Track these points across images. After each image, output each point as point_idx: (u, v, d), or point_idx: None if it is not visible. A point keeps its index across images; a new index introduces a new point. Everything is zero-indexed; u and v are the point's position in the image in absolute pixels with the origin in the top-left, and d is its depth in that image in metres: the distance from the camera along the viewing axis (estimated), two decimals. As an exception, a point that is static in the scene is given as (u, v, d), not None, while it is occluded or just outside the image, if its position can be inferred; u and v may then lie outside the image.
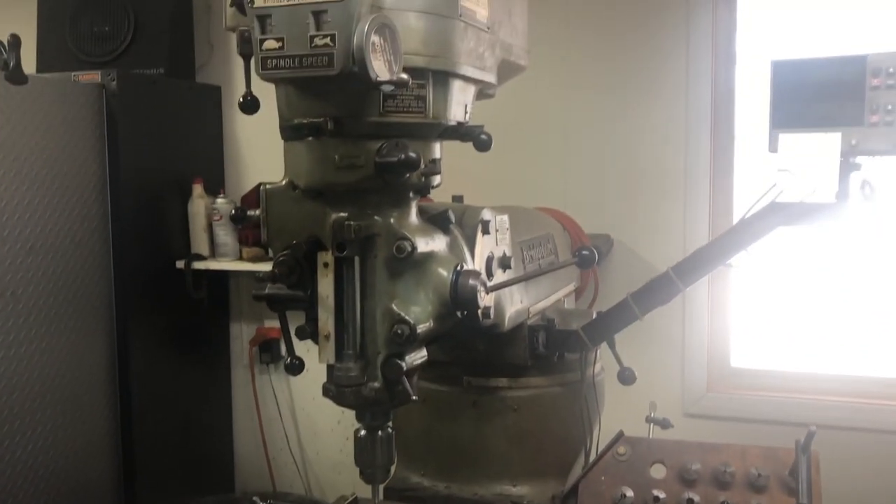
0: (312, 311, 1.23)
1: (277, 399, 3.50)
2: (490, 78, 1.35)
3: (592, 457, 1.68)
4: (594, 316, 1.67)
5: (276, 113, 1.21)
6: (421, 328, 1.19)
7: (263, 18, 1.07)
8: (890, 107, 1.42)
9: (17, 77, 2.14)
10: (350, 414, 1.29)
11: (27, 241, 2.64)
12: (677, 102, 2.87)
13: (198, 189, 3.20)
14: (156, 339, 3.13)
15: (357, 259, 1.20)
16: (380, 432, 1.29)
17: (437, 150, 1.27)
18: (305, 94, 1.14)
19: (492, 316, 1.34)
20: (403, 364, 1.20)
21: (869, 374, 2.80)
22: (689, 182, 2.88)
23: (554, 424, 1.65)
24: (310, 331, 1.25)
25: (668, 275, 1.63)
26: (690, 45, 2.85)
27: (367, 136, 1.16)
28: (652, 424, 1.88)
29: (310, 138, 1.17)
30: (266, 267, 1.24)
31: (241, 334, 3.55)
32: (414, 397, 1.24)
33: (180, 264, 3.17)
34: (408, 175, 1.17)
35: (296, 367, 1.32)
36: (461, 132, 1.26)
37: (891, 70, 1.43)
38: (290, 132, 1.19)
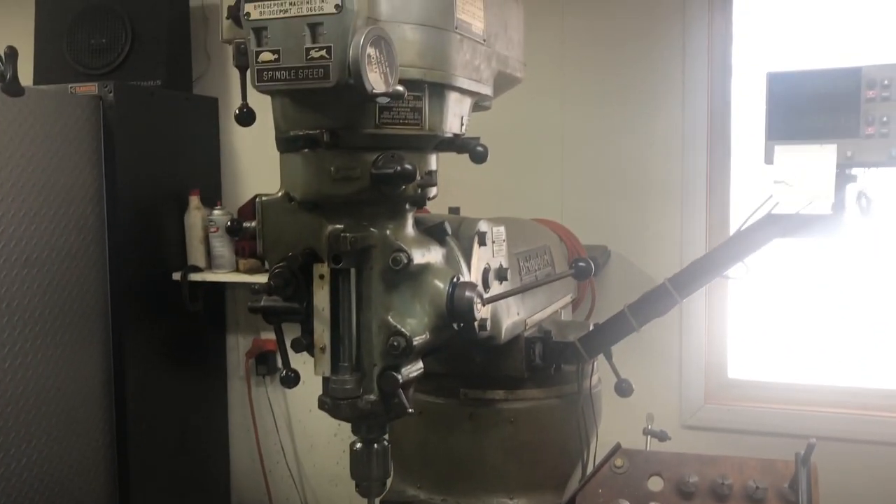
0: (308, 323, 1.23)
1: (274, 411, 3.48)
2: (486, 90, 1.35)
3: (589, 469, 1.67)
4: (591, 328, 1.67)
5: (272, 124, 1.21)
6: (417, 340, 1.19)
7: (259, 31, 1.07)
8: (885, 118, 1.43)
9: (13, 89, 2.14)
10: (347, 426, 1.29)
11: (23, 252, 2.63)
12: (674, 113, 2.88)
13: (194, 201, 3.20)
14: (152, 351, 3.12)
15: (353, 271, 1.20)
16: (376, 445, 1.28)
17: (433, 161, 1.27)
18: (301, 107, 1.14)
19: (488, 328, 1.34)
20: (399, 377, 1.19)
21: (867, 385, 2.80)
22: (685, 193, 2.88)
23: (551, 437, 1.65)
24: (305, 343, 1.25)
25: (665, 286, 1.63)
26: (687, 57, 2.86)
27: (363, 148, 1.16)
28: (649, 436, 1.87)
29: (306, 150, 1.17)
30: (262, 279, 1.24)
31: (238, 346, 3.54)
32: (410, 410, 1.23)
33: (177, 276, 3.16)
34: (404, 187, 1.17)
35: (291, 379, 1.31)
36: (457, 144, 1.26)
37: (885, 82, 1.43)
38: (286, 144, 1.19)
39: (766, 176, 1.53)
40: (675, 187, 2.89)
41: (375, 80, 1.04)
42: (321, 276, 1.21)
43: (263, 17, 1.06)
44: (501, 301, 1.44)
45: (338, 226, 1.19)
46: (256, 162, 3.42)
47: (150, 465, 3.09)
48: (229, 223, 1.33)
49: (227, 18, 1.18)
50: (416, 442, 1.66)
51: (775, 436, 2.67)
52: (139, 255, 3.05)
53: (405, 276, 1.20)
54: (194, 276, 3.17)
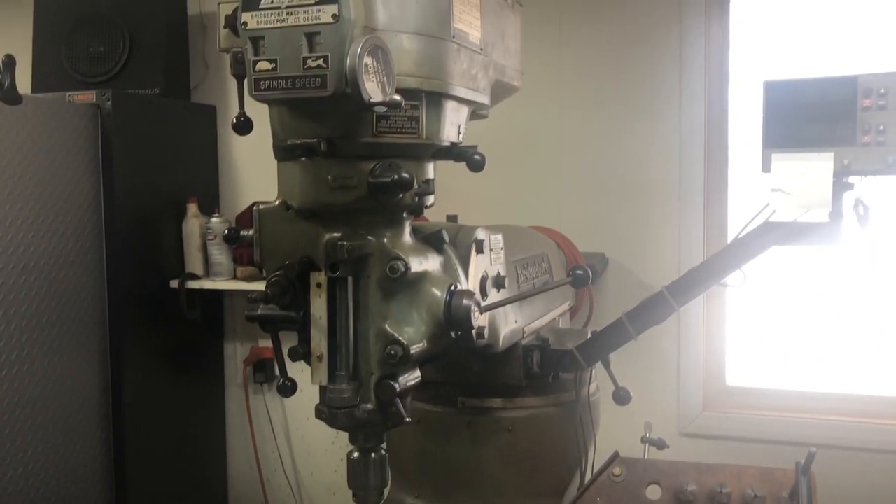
0: (305, 331, 1.23)
1: (271, 419, 3.48)
2: (483, 99, 1.35)
3: (588, 478, 1.67)
4: (589, 336, 1.67)
5: (270, 132, 1.21)
6: (414, 349, 1.19)
7: (256, 40, 1.07)
8: (881, 127, 1.43)
9: (11, 97, 2.14)
10: (345, 434, 1.28)
11: (20, 260, 2.63)
12: (671, 121, 2.89)
13: (192, 208, 3.20)
14: (149, 359, 3.12)
15: (350, 279, 1.19)
16: (373, 454, 1.28)
17: (431, 170, 1.27)
18: (299, 115, 1.14)
19: (486, 336, 1.33)
20: (397, 385, 1.19)
21: (866, 392, 2.79)
22: (683, 201, 2.88)
23: (549, 445, 1.64)
24: (302, 352, 1.24)
25: (663, 294, 1.63)
26: (683, 65, 2.86)
27: (361, 156, 1.16)
28: (647, 445, 1.87)
29: (303, 159, 1.17)
30: (260, 286, 1.23)
31: (236, 354, 3.53)
32: (407, 419, 1.23)
33: (174, 284, 3.16)
34: (401, 195, 1.17)
35: (288, 388, 1.31)
36: (454, 152, 1.26)
37: (882, 91, 1.44)
38: (284, 153, 1.19)
39: (764, 184, 1.53)
40: (672, 195, 2.90)
41: (373, 90, 1.04)
42: (318, 285, 1.20)
43: (261, 26, 1.06)
44: (499, 309, 1.44)
45: (335, 234, 1.19)
46: (254, 170, 3.43)
47: (148, 473, 3.09)
48: (227, 231, 1.33)
49: (225, 28, 1.19)
50: (413, 450, 1.66)
51: (774, 443, 2.67)
52: (137, 263, 3.05)
53: (402, 284, 1.20)
54: (192, 284, 3.17)
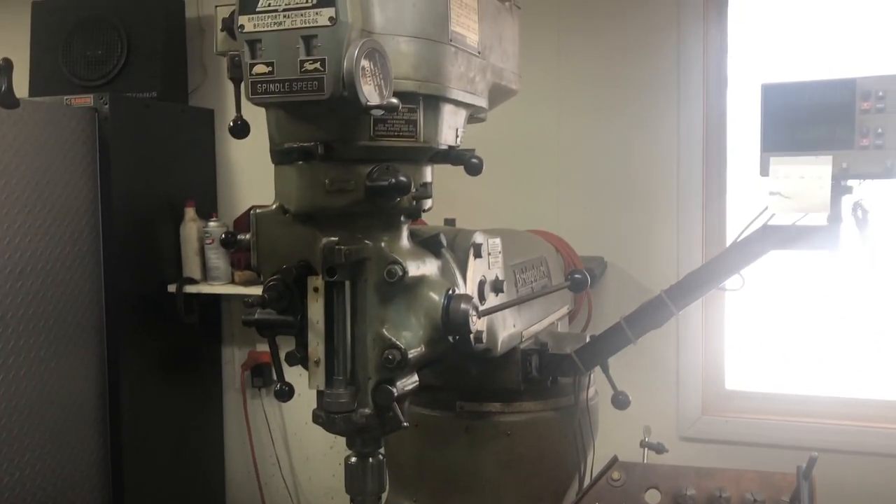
0: (302, 336, 1.22)
1: (269, 423, 3.47)
2: (481, 102, 1.35)
3: (586, 482, 1.66)
4: (587, 340, 1.66)
5: (268, 136, 1.20)
6: (412, 353, 1.18)
7: (253, 43, 1.07)
8: (880, 130, 1.43)
9: (8, 101, 2.14)
10: (343, 439, 1.27)
11: (17, 264, 2.62)
12: (669, 125, 2.88)
13: (190, 212, 3.19)
14: (147, 363, 3.11)
15: (347, 283, 1.19)
16: (370, 459, 1.27)
17: (428, 173, 1.27)
18: (295, 119, 1.14)
19: (484, 340, 1.33)
20: (394, 390, 1.19)
21: (865, 396, 2.79)
22: (681, 204, 2.88)
23: (547, 449, 1.64)
24: (300, 356, 1.24)
25: (661, 298, 1.62)
26: (682, 68, 2.86)
27: (358, 160, 1.16)
28: (646, 449, 1.86)
29: (300, 162, 1.17)
30: (258, 290, 1.23)
31: (233, 358, 3.52)
32: (405, 424, 1.22)
33: (172, 288, 3.15)
34: (398, 199, 1.17)
35: (285, 393, 1.30)
36: (452, 156, 1.26)
37: (880, 93, 1.43)
38: (281, 156, 1.19)
39: (762, 188, 1.52)
40: (671, 198, 2.89)
41: (370, 93, 1.04)
42: (315, 289, 1.20)
43: (258, 29, 1.06)
44: (497, 313, 1.43)
45: (332, 238, 1.19)
46: (252, 174, 3.42)
47: (145, 477, 3.07)
48: (224, 235, 1.32)
49: (222, 31, 1.19)
50: (412, 455, 1.65)
51: (773, 447, 2.66)
52: (134, 267, 3.05)
53: (400, 288, 1.20)
54: (190, 288, 3.16)
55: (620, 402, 1.62)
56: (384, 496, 1.33)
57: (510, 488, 1.61)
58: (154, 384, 3.14)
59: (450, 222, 1.66)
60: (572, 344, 1.65)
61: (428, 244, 1.30)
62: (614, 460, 1.61)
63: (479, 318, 1.27)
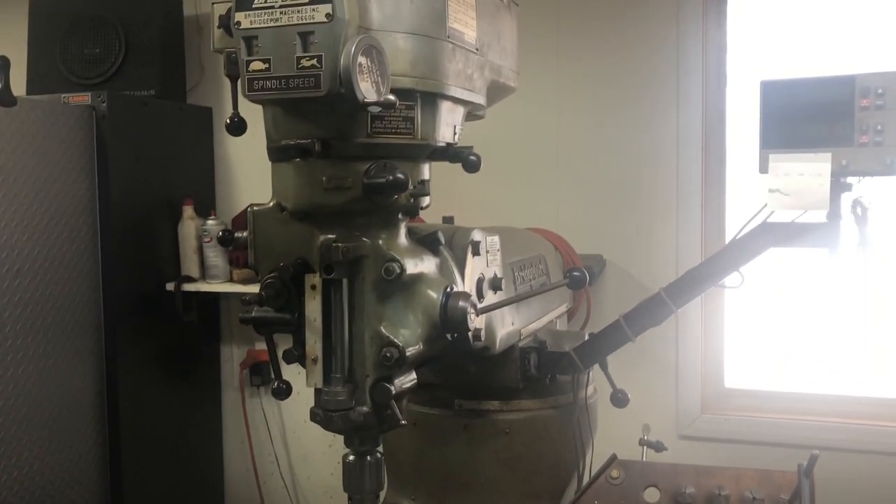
0: (300, 334, 1.22)
1: (268, 422, 3.46)
2: (479, 99, 1.34)
3: (585, 480, 1.66)
4: (586, 338, 1.66)
5: (265, 134, 1.20)
6: (410, 351, 1.18)
7: (250, 40, 1.06)
8: (879, 127, 1.43)
9: (5, 99, 2.14)
10: (342, 437, 1.27)
11: (15, 262, 2.62)
12: (669, 122, 2.88)
13: (188, 211, 3.19)
14: (145, 362, 3.10)
15: (345, 281, 1.18)
16: (368, 457, 1.27)
17: (426, 171, 1.26)
18: (292, 116, 1.13)
19: (482, 338, 1.32)
20: (392, 388, 1.18)
21: (866, 394, 2.79)
22: (680, 202, 2.88)
23: (546, 447, 1.63)
24: (297, 354, 1.24)
25: (660, 296, 1.62)
26: (681, 66, 2.86)
27: (355, 157, 1.15)
28: (645, 447, 1.86)
29: (297, 160, 1.16)
30: (257, 289, 1.22)
31: (232, 356, 3.52)
32: (403, 422, 1.22)
33: (170, 286, 3.15)
34: (396, 196, 1.16)
35: (283, 391, 1.30)
36: (450, 153, 1.25)
37: (879, 90, 1.43)
38: (278, 154, 1.18)
39: (762, 185, 1.52)
40: (670, 196, 2.89)
41: (367, 89, 1.03)
42: (313, 287, 1.19)
43: (254, 25, 1.05)
44: (496, 311, 1.43)
45: (330, 236, 1.18)
46: (250, 172, 3.41)
47: (144, 476, 3.07)
48: (221, 233, 1.32)
49: (219, 28, 1.18)
50: (410, 453, 1.65)
51: (772, 446, 2.66)
52: (132, 266, 3.04)
53: (398, 286, 1.19)
54: (188, 287, 3.16)
55: (619, 400, 1.61)
56: (382, 494, 1.33)
57: (509, 486, 1.61)
58: (152, 383, 3.14)
59: (448, 220, 1.66)
60: (571, 342, 1.65)
61: (426, 242, 1.29)
62: (613, 458, 1.61)
63: (478, 315, 1.27)
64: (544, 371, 1.61)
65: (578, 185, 3.00)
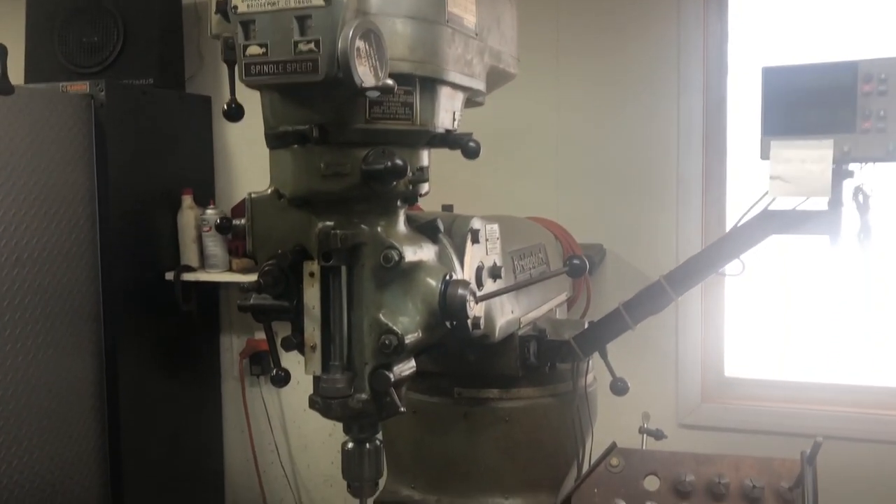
0: (298, 321, 1.21)
1: (268, 411, 3.47)
2: (479, 85, 1.33)
3: (585, 469, 1.66)
4: (586, 326, 1.65)
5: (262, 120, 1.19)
6: (409, 339, 1.17)
7: (247, 24, 1.05)
8: (882, 113, 1.41)
9: (3, 87, 2.13)
10: (342, 426, 1.27)
11: (13, 252, 2.61)
12: (669, 111, 2.87)
13: (187, 200, 3.18)
14: (144, 352, 3.10)
15: (344, 268, 1.18)
16: (367, 445, 1.27)
17: (425, 157, 1.25)
18: (290, 101, 1.12)
19: (482, 326, 1.32)
20: (391, 375, 1.18)
21: (866, 383, 2.78)
22: (681, 192, 2.87)
23: (546, 436, 1.63)
24: (296, 342, 1.23)
25: (660, 284, 1.61)
26: (682, 54, 2.84)
27: (353, 143, 1.14)
28: (645, 435, 1.86)
29: (295, 146, 1.15)
30: (255, 278, 1.22)
31: (232, 346, 3.52)
32: (402, 409, 1.21)
33: (169, 276, 3.14)
34: (395, 183, 1.15)
35: (282, 378, 1.29)
36: (449, 140, 1.25)
37: (882, 76, 1.42)
38: (275, 140, 1.17)
39: (763, 172, 1.51)
40: (670, 185, 2.88)
41: (365, 74, 1.02)
42: (311, 274, 1.19)
43: (251, 10, 1.04)
44: (495, 299, 1.42)
45: (328, 223, 1.18)
46: (250, 161, 3.40)
47: (144, 466, 3.07)
48: (219, 220, 1.31)
49: (216, 13, 1.17)
50: (410, 441, 1.65)
51: (773, 434, 2.66)
52: (131, 255, 3.03)
53: (397, 273, 1.19)
54: (187, 276, 3.15)
55: (619, 388, 1.61)
56: (382, 482, 1.33)
57: (508, 474, 1.61)
58: (152, 372, 3.13)
59: (447, 209, 1.65)
60: (571, 330, 1.64)
61: (425, 229, 1.28)
62: (613, 446, 1.60)
63: (477, 303, 1.26)
64: (544, 359, 1.61)
65: (578, 175, 2.99)
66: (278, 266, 1.20)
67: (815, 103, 1.46)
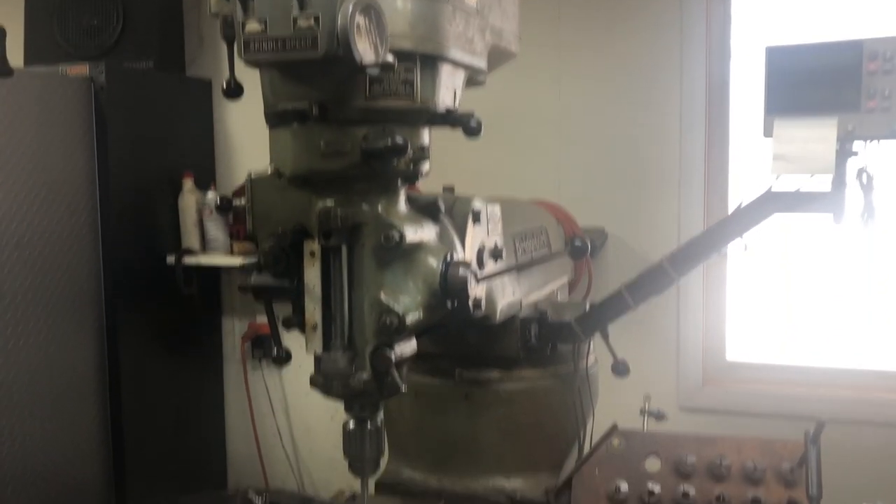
0: (299, 301, 1.21)
1: (270, 394, 3.47)
2: (480, 63, 1.32)
3: (586, 450, 1.66)
4: (587, 307, 1.65)
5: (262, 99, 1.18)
6: (410, 318, 1.17)
7: (246, 1, 1.04)
8: (887, 92, 1.40)
9: (2, 69, 2.11)
10: (344, 410, 1.27)
11: (13, 236, 2.61)
12: (672, 95, 2.85)
13: (188, 183, 3.17)
14: (146, 336, 3.10)
15: (344, 248, 1.17)
16: (369, 424, 1.26)
17: (426, 136, 1.24)
18: (290, 79, 1.11)
19: (483, 307, 1.31)
20: (392, 355, 1.17)
21: (867, 366, 2.78)
22: (683, 175, 2.85)
23: (547, 417, 1.63)
24: (297, 321, 1.23)
25: (662, 264, 1.61)
26: (684, 38, 2.82)
27: (354, 121, 1.13)
28: (646, 417, 1.86)
29: (294, 125, 1.14)
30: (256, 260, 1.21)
31: (234, 329, 3.52)
32: (403, 389, 1.21)
33: (171, 259, 3.14)
34: (395, 162, 1.15)
35: (283, 358, 1.29)
36: (450, 119, 1.23)
37: (888, 55, 1.40)
38: (275, 119, 1.16)
39: (767, 151, 1.50)
40: (672, 169, 2.87)
41: (365, 51, 1.01)
42: (312, 254, 1.18)
43: (250, -14, 1.03)
44: (497, 281, 1.42)
45: (328, 202, 1.17)
46: (251, 144, 3.39)
47: (146, 449, 3.08)
48: (219, 200, 1.30)
49: (216, -9, 1.16)
50: (411, 423, 1.65)
51: (774, 418, 2.66)
52: (132, 239, 3.03)
53: (397, 253, 1.18)
54: (188, 260, 3.15)
55: (620, 370, 1.61)
56: (383, 462, 1.33)
57: (509, 456, 1.61)
58: (154, 356, 3.14)
59: (449, 190, 1.64)
60: (572, 312, 1.64)
61: (426, 209, 1.28)
62: (614, 428, 1.60)
63: (478, 283, 1.26)
64: (545, 341, 1.61)
65: (580, 158, 2.97)
66: (279, 245, 1.19)
67: (819, 82, 1.45)
